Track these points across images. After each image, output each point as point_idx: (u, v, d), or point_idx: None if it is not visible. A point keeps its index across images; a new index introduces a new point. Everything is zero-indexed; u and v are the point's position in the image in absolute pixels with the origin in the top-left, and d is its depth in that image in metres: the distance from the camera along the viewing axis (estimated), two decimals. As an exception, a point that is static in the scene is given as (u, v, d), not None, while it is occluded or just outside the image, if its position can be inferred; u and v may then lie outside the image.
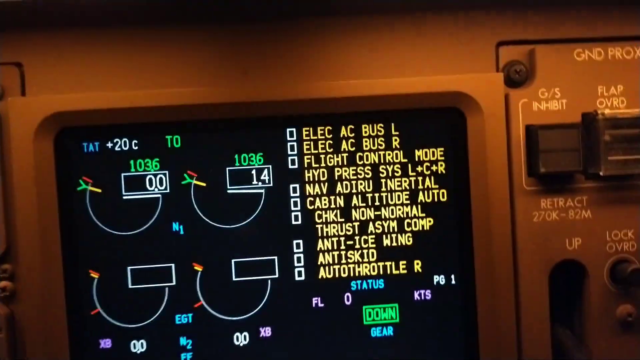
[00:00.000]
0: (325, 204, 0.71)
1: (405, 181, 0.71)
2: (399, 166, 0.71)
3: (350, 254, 0.71)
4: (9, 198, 0.67)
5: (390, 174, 0.71)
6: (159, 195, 0.69)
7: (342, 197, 0.71)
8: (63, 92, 0.69)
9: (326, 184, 0.70)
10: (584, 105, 0.70)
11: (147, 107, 0.68)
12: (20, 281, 0.67)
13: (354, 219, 0.71)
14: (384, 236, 0.71)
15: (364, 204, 0.71)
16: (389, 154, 0.71)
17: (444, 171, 0.71)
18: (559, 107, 0.70)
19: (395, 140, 0.71)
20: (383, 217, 0.71)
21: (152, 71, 0.70)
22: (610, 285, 0.70)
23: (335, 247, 0.71)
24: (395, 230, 0.71)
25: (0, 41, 0.69)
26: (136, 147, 0.69)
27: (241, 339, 0.70)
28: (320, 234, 0.70)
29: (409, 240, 0.71)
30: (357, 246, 0.71)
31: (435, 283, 0.71)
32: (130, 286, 0.69)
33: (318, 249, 0.70)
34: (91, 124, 0.68)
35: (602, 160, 0.68)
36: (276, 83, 0.70)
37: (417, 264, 0.71)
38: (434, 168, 0.71)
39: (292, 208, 0.70)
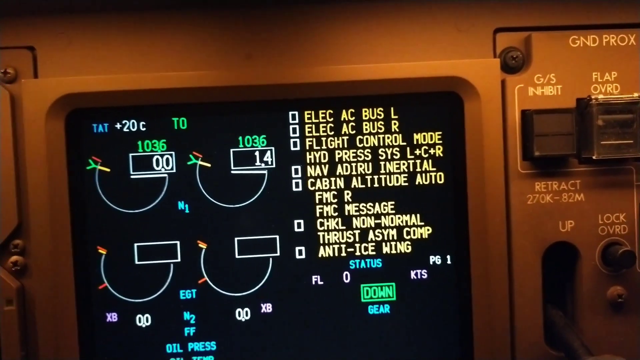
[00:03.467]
0: (326, 185, 0.73)
1: (403, 164, 0.73)
2: (397, 149, 0.73)
3: (350, 234, 0.73)
4: (21, 176, 0.70)
5: (389, 157, 0.73)
6: (166, 175, 0.72)
7: (342, 178, 0.73)
8: (74, 75, 0.71)
9: (327, 165, 0.73)
10: (578, 90, 0.72)
11: (155, 89, 0.70)
12: (31, 256, 0.70)
13: (353, 199, 0.73)
14: (383, 217, 0.73)
15: (364, 186, 0.73)
16: (388, 137, 0.73)
17: (441, 154, 0.73)
18: (554, 92, 0.72)
19: (395, 123, 0.73)
20: (382, 198, 0.73)
21: (159, 54, 0.72)
22: (602, 267, 0.72)
23: (334, 227, 0.73)
24: (394, 211, 0.73)
25: (13, 26, 0.72)
26: (144, 129, 0.71)
27: (243, 314, 0.72)
28: (320, 214, 0.73)
29: (407, 221, 0.73)
30: (356, 226, 0.73)
31: (431, 263, 0.73)
32: (136, 262, 0.71)
33: (318, 228, 0.73)
34: (101, 106, 0.70)
35: (595, 144, 0.70)
36: (279, 67, 0.72)
37: (415, 244, 0.73)
38: (432, 151, 0.73)
39: (294, 189, 0.73)
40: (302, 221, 0.72)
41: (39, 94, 0.69)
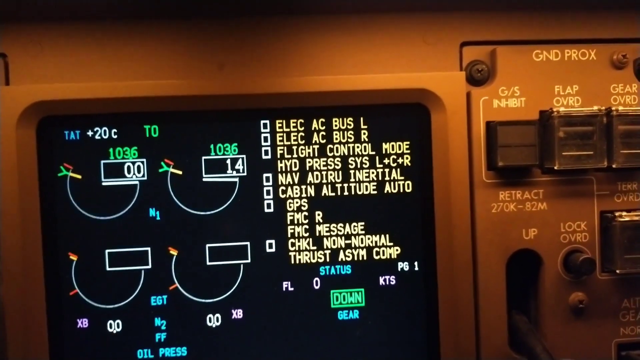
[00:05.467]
0: (296, 193, 0.74)
1: (372, 172, 0.75)
2: (367, 158, 0.75)
3: (319, 241, 0.74)
4: (-8, 183, 0.70)
5: (359, 166, 0.75)
6: (137, 182, 0.72)
7: (312, 186, 0.74)
8: (46, 82, 0.71)
9: (298, 174, 0.74)
10: (541, 103, 0.74)
11: (126, 97, 0.71)
12: (1, 262, 0.70)
13: (324, 207, 0.74)
14: (352, 224, 0.75)
15: (334, 194, 0.74)
16: (358, 147, 0.75)
17: (409, 164, 0.75)
18: (518, 104, 0.74)
19: (364, 133, 0.75)
20: (351, 206, 0.75)
21: (131, 63, 0.73)
22: (564, 274, 0.75)
23: (305, 235, 0.74)
24: (363, 219, 0.75)
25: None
26: (115, 136, 0.72)
27: (214, 320, 0.73)
28: (291, 222, 0.74)
29: (375, 229, 0.75)
30: (326, 234, 0.74)
31: (399, 269, 0.75)
32: (107, 268, 0.72)
33: (289, 235, 0.74)
34: (72, 113, 0.71)
35: (557, 155, 0.72)
36: (251, 77, 0.74)
37: (383, 251, 0.75)
38: (400, 160, 0.75)
39: (265, 196, 0.74)
40: (272, 228, 0.74)
41: (10, 101, 0.69)
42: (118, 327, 0.72)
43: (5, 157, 0.69)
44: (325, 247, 0.74)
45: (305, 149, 0.74)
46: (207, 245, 0.73)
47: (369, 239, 0.74)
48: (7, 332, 0.69)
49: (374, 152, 0.75)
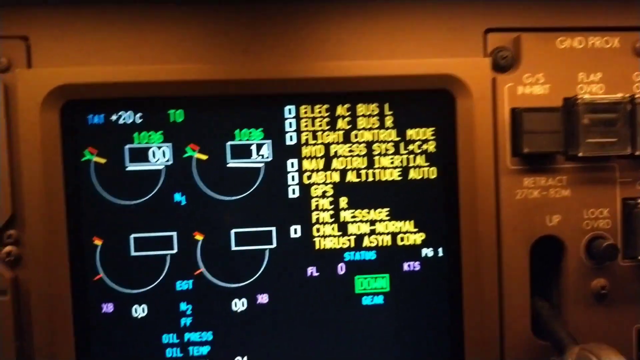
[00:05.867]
0: (321, 179, 0.74)
1: (397, 159, 0.75)
2: (391, 144, 0.75)
3: (344, 227, 0.75)
4: (15, 167, 0.70)
5: (383, 152, 0.75)
6: (162, 167, 0.72)
7: (337, 172, 0.74)
8: (68, 65, 0.71)
9: (322, 160, 0.74)
10: (565, 90, 0.74)
11: (151, 81, 0.71)
12: (25, 246, 0.70)
13: (348, 193, 0.74)
14: (376, 210, 0.75)
15: (358, 180, 0.75)
16: (383, 133, 0.75)
17: (434, 150, 0.75)
18: (543, 91, 0.74)
19: (389, 119, 0.75)
20: (376, 192, 0.75)
21: (156, 47, 0.72)
22: (586, 260, 0.75)
23: (330, 220, 0.74)
24: (388, 205, 0.75)
25: (6, 15, 0.71)
26: (140, 120, 0.72)
27: (239, 305, 0.73)
28: (316, 207, 0.74)
29: (400, 215, 0.75)
30: (351, 219, 0.74)
31: (423, 255, 0.75)
32: (132, 253, 0.72)
33: (314, 221, 0.74)
34: (96, 97, 0.71)
35: (581, 142, 0.73)
36: (276, 62, 0.73)
37: (407, 237, 0.75)
38: (424, 147, 0.75)
39: (290, 182, 0.74)
40: (297, 214, 0.74)
41: (33, 83, 0.68)
42: (143, 311, 0.72)
43: (29, 141, 0.68)
44: (349, 232, 0.74)
45: (330, 135, 0.74)
46: (233, 231, 0.73)
47: (393, 225, 0.75)
48: (32, 317, 0.69)
49: (398, 138, 0.75)
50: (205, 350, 0.73)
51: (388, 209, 0.74)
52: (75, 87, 0.69)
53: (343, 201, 0.74)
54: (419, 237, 0.75)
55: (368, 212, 0.74)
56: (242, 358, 0.73)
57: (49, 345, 0.68)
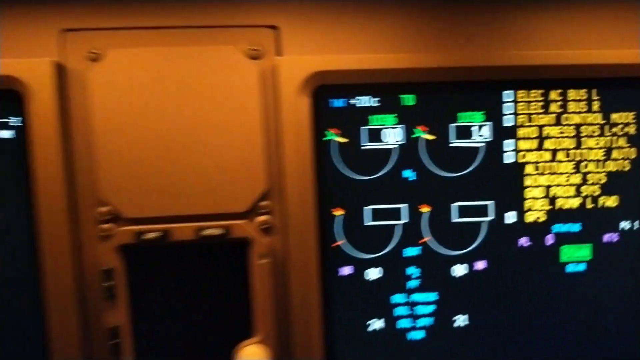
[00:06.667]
0: (534, 158, 0.81)
1: (602, 140, 0.82)
2: (597, 127, 0.82)
3: (553, 201, 0.82)
4: (271, 146, 0.78)
5: (589, 134, 0.82)
6: (394, 147, 0.80)
7: (549, 152, 0.82)
8: (315, 54, 0.78)
9: (536, 140, 0.81)
10: None
11: (387, 69, 0.78)
12: (278, 216, 0.79)
13: (558, 172, 0.82)
14: (582, 187, 0.82)
15: (567, 159, 0.82)
16: (590, 116, 0.81)
17: (634, 132, 0.82)
18: None
19: (595, 104, 0.81)
20: (583, 171, 0.82)
21: (391, 37, 0.79)
22: None
23: (540, 196, 0.82)
24: (591, 183, 0.82)
25: (257, 6, 0.78)
26: (376, 104, 0.79)
27: (460, 270, 0.82)
28: (528, 184, 0.82)
29: (604, 191, 0.82)
30: (560, 194, 0.82)
31: (620, 228, 0.83)
32: (367, 223, 0.81)
33: (526, 196, 0.82)
34: (340, 83, 0.78)
35: None
36: (496, 50, 0.80)
37: (608, 210, 0.83)
38: (626, 129, 0.82)
39: (506, 160, 0.81)
40: (511, 190, 0.81)
41: (292, 70, 0.76)
42: (376, 275, 0.81)
43: (285, 123, 0.76)
44: (558, 207, 0.82)
45: (543, 118, 0.81)
46: (454, 204, 0.81)
47: (597, 199, 0.82)
48: (288, 278, 0.78)
49: (604, 121, 0.82)
50: (430, 309, 0.82)
51: (595, 185, 0.82)
52: (326, 74, 0.76)
53: (554, 179, 0.82)
54: (618, 211, 0.82)
55: (576, 189, 0.82)
56: (464, 316, 0.82)
57: (302, 299, 0.78)
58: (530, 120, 0.81)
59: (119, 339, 0.75)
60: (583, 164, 0.82)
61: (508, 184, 0.81)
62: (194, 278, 0.78)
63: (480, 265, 0.82)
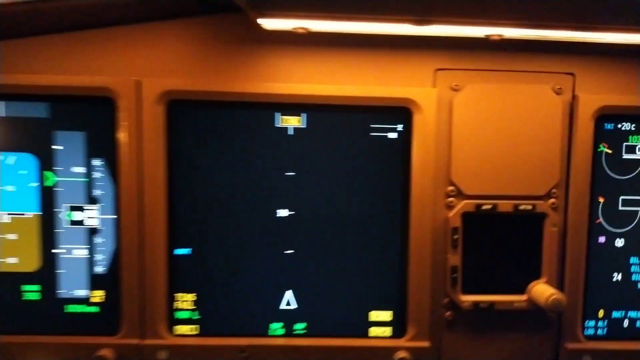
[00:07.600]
0: None
1: None
2: None
3: None
4: (564, 153, 1.14)
5: None
6: (640, 158, 1.16)
7: None
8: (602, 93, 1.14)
9: None
10: None
11: None
12: (562, 200, 1.15)
13: None
14: None
15: None
16: None
17: None
18: None
19: None
20: None
21: None
22: None
23: None
24: None
25: (556, 55, 1.14)
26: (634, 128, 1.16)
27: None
28: None
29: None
30: None
31: None
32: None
33: None
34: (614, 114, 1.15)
35: None
36: None
37: None
38: None
39: None
40: None
41: (586, 104, 1.13)
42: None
43: (577, 140, 1.14)
44: None
45: None
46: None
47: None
48: (567, 241, 1.17)
49: None
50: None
51: None
52: (609, 108, 1.12)
53: None
54: None
55: None
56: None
57: (574, 259, 1.16)
58: None
59: (456, 274, 1.16)
60: None
61: None
62: (501, 235, 1.17)
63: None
